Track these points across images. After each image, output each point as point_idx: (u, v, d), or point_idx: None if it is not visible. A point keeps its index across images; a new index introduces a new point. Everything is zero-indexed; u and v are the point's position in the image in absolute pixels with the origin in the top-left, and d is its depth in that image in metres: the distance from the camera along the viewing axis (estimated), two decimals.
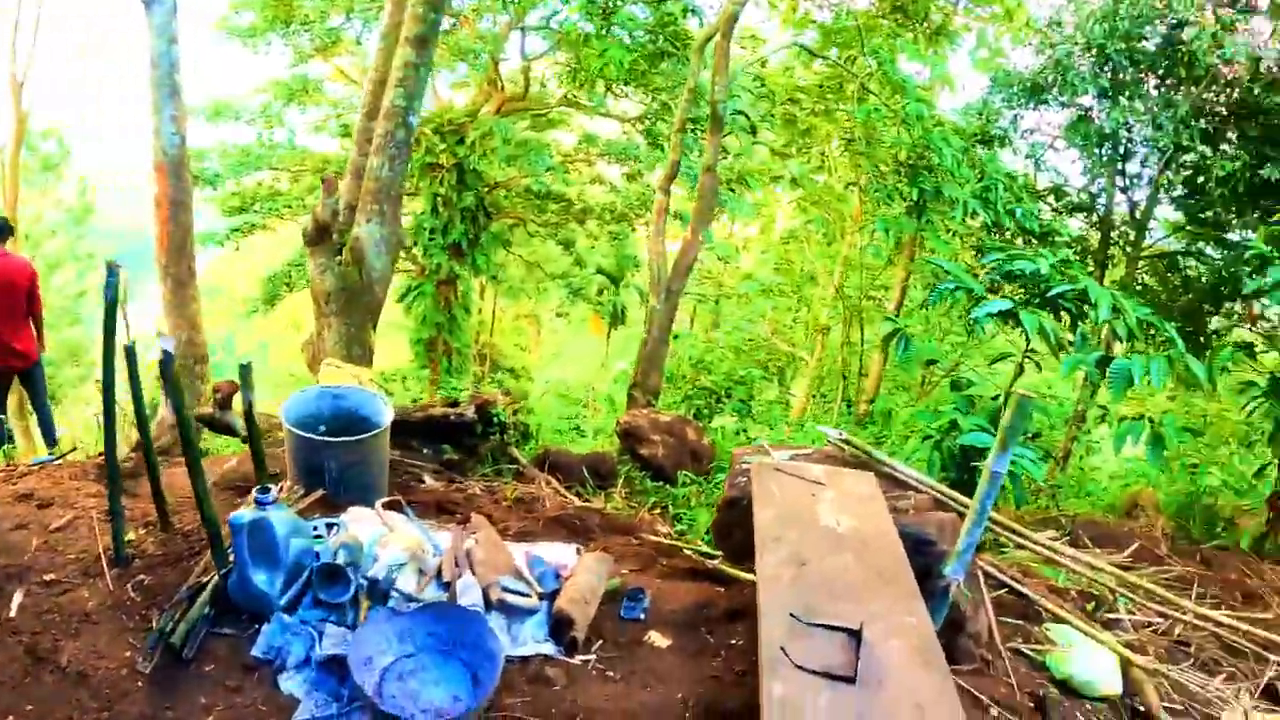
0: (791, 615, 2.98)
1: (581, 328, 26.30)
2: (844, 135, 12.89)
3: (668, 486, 6.62)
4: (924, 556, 3.76)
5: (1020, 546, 5.13)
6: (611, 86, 15.77)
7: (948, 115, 13.53)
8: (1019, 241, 11.11)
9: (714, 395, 9.04)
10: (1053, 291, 5.43)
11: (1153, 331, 6.74)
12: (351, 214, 8.01)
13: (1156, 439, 5.23)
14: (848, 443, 4.79)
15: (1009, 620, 4.44)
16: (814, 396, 16.16)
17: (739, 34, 13.43)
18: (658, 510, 6.21)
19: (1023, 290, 6.16)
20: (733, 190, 16.77)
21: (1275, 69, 11.56)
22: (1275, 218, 6.76)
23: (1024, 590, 4.64)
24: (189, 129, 7.86)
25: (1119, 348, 6.92)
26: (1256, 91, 11.63)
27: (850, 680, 2.69)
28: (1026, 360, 5.74)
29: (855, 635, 2.87)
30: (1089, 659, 4.11)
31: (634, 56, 12.40)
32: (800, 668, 2.73)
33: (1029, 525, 6.32)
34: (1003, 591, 4.67)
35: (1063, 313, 5.86)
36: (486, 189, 15.87)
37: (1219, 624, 4.86)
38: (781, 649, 2.79)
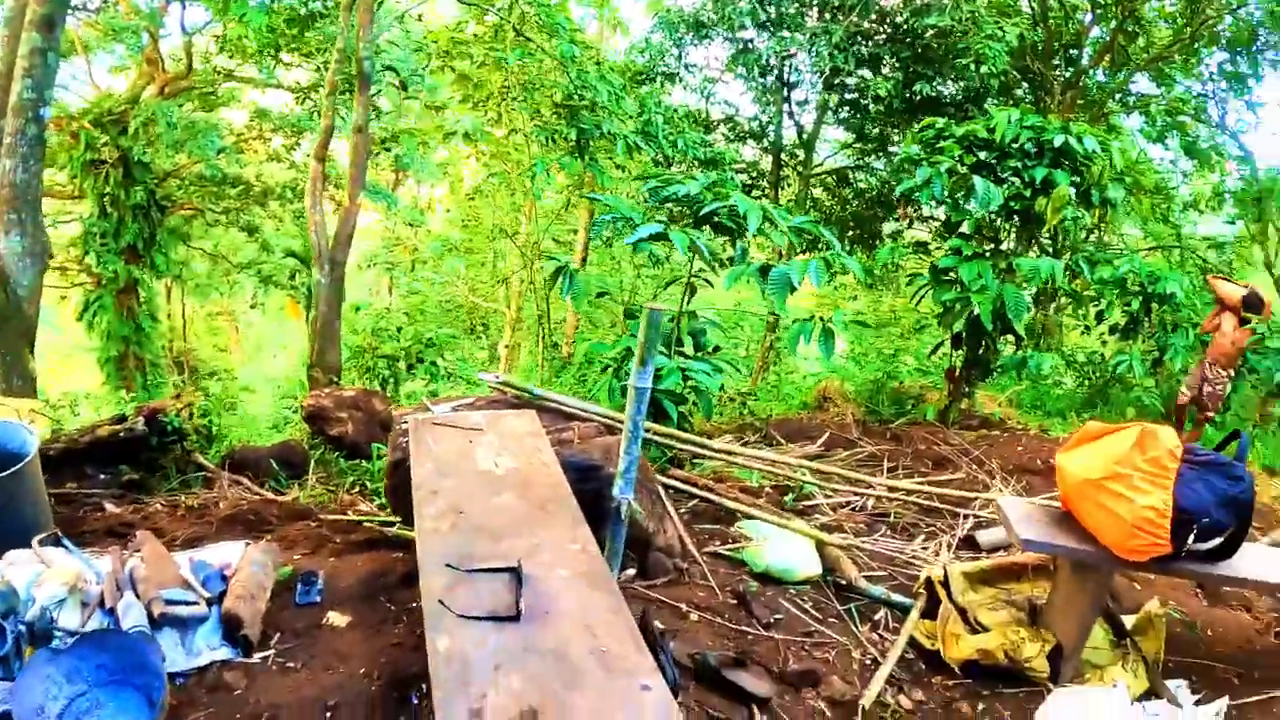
0: (448, 565, 2.80)
1: (280, 317, 24.84)
2: (504, 85, 12.73)
3: (363, 463, 6.24)
4: (595, 482, 3.69)
5: (698, 457, 5.18)
6: (278, 55, 14.77)
7: (619, 58, 13.71)
8: (696, 171, 11.35)
9: (399, 362, 8.64)
10: (704, 210, 5.44)
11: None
12: None
13: (826, 334, 5.37)
14: (506, 384, 4.61)
15: (707, 527, 4.44)
16: (518, 347, 16.09)
17: None
18: (356, 489, 5.85)
19: (685, 213, 6.19)
20: (397, 151, 16.39)
21: None
22: (924, 123, 7.14)
23: (711, 497, 4.64)
24: None
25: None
26: (907, 17, 12.44)
27: (515, 619, 2.58)
28: (695, 279, 5.77)
29: (515, 573, 2.74)
30: (784, 547, 4.17)
31: (279, 20, 11.63)
32: (463, 616, 2.59)
33: (727, 433, 6.45)
34: (694, 502, 4.66)
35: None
36: (157, 181, 14.62)
37: (909, 491, 5.10)
38: (440, 601, 2.64)
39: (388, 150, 16.46)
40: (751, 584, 3.92)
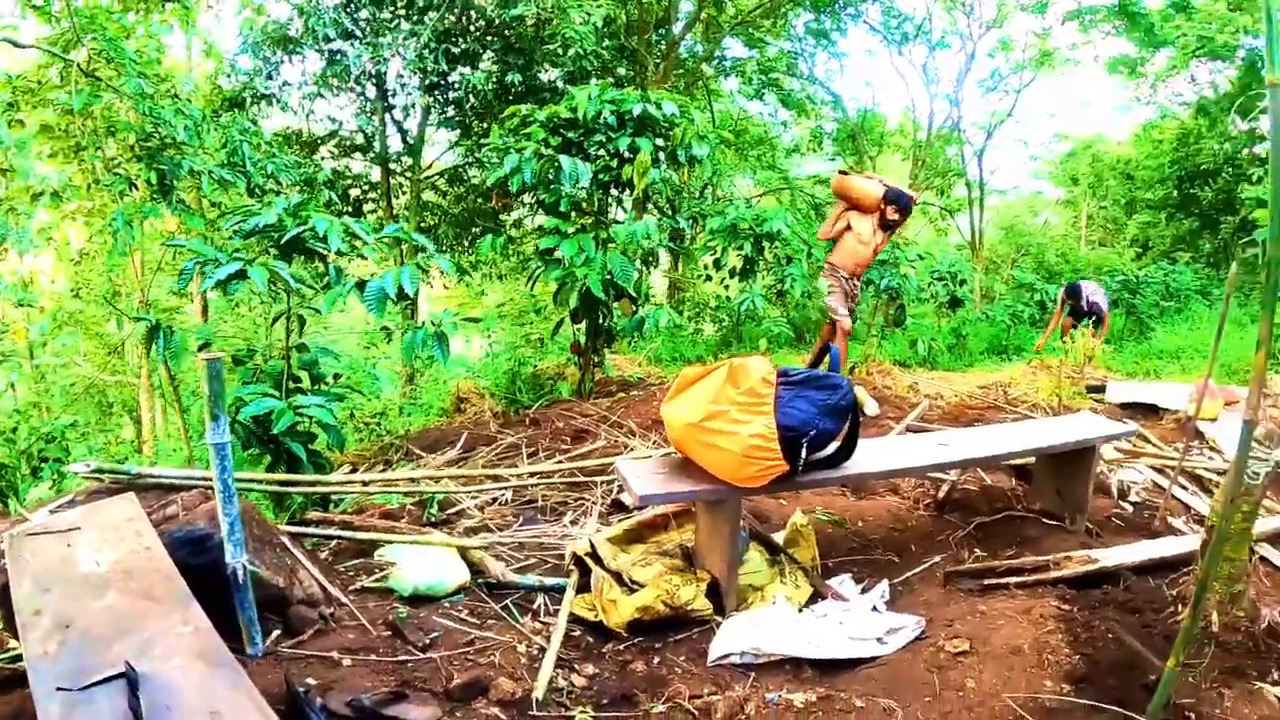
0: (60, 689, 2.43)
1: None
2: (78, 130, 11.41)
3: None
4: (209, 552, 3.28)
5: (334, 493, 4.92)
6: None
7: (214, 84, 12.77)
8: (293, 193, 10.76)
9: (16, 470, 7.48)
10: (287, 237, 5.11)
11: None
12: None
13: (440, 337, 5.22)
14: (99, 471, 4.09)
15: (351, 564, 4.17)
16: (165, 416, 14.74)
17: None
18: None
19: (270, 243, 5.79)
20: None
21: None
22: (508, 112, 7.13)
23: (345, 534, 4.38)
24: None
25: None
26: (494, 8, 12.47)
27: None
28: (295, 315, 5.42)
29: (127, 677, 2.42)
30: (427, 563, 3.98)
31: None
32: None
33: (369, 459, 6.18)
34: (335, 541, 4.39)
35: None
36: None
37: (548, 472, 5.08)
38: None
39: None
40: (402, 610, 3.71)
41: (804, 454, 3.34)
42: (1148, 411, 7.70)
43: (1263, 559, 4.88)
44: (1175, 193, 19.35)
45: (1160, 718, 2.98)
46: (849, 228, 7.54)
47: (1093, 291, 10.81)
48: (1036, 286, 15.55)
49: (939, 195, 20.77)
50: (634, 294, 6.80)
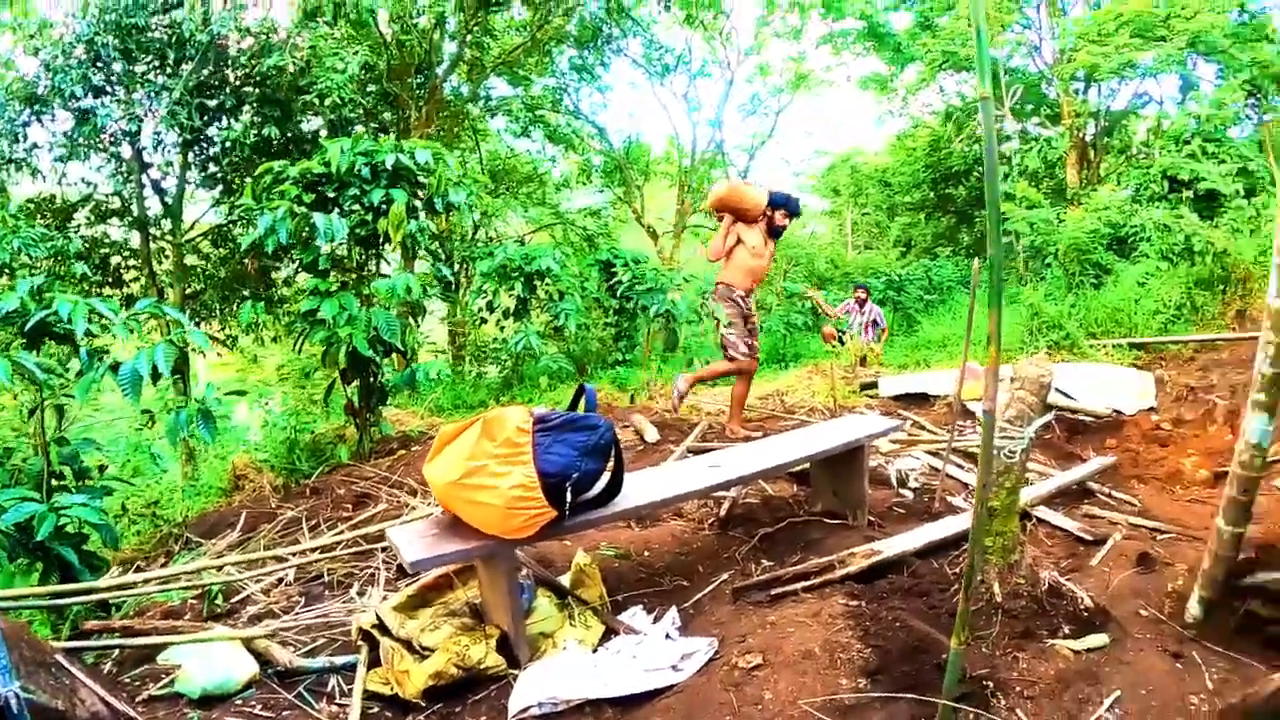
0: None
1: None
2: None
3: None
4: None
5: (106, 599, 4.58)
6: None
7: None
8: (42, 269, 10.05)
9: None
10: (30, 323, 4.72)
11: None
12: None
13: (205, 414, 4.95)
14: None
15: (137, 672, 3.91)
16: None
17: None
18: None
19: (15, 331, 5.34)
20: None
21: (266, 37, 12.03)
22: (260, 169, 6.82)
23: (124, 642, 4.07)
24: None
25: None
26: (247, 60, 12.00)
27: None
28: (51, 406, 5.00)
29: None
30: (212, 660, 3.74)
31: None
32: None
33: (147, 554, 5.81)
34: (117, 651, 4.08)
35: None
36: None
37: (326, 548, 4.90)
38: None
39: None
40: (193, 715, 3.48)
41: (569, 497, 3.33)
42: (920, 400, 8.16)
43: (1041, 521, 5.23)
44: (931, 194, 20.78)
45: (957, 693, 3.10)
46: (740, 241, 7.14)
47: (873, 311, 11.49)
48: (806, 294, 16.36)
49: (708, 217, 21.53)
50: (402, 348, 6.65)
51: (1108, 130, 17.76)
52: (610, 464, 3.57)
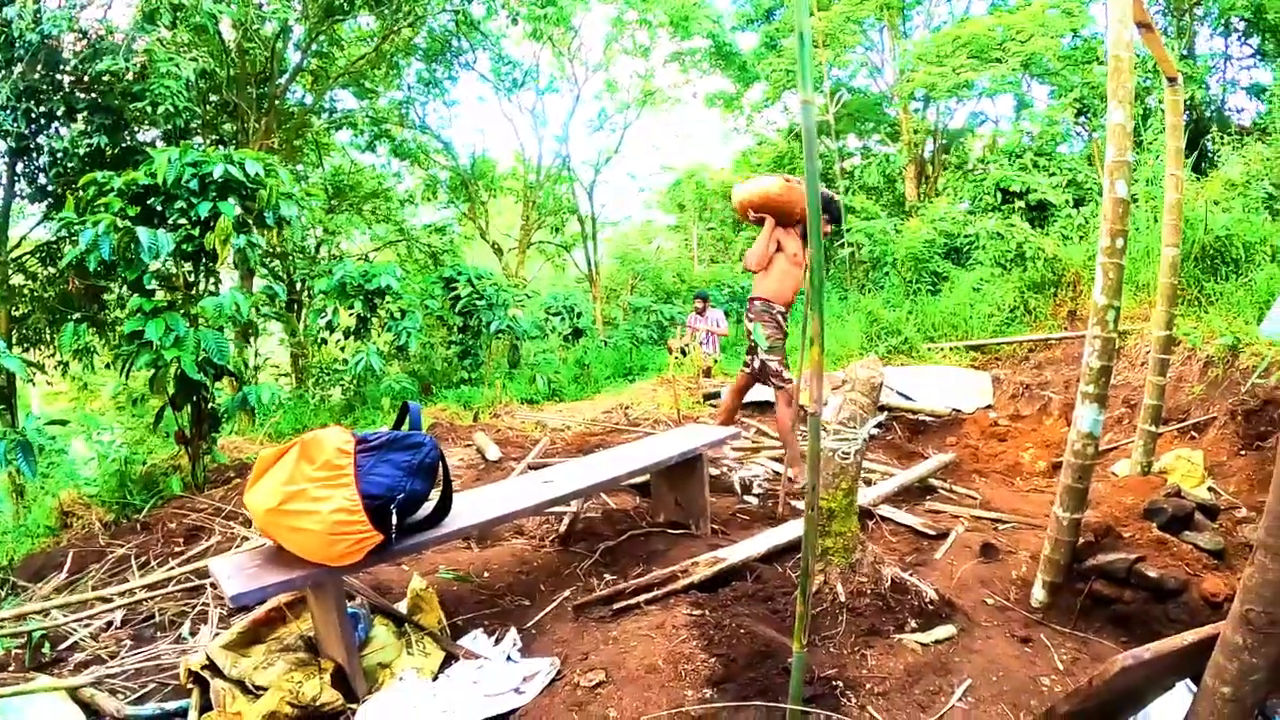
0: None
1: None
2: None
3: None
4: None
5: None
6: None
7: None
8: None
9: None
10: None
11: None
12: None
13: (24, 447, 4.63)
14: None
15: None
16: None
17: None
18: None
19: None
20: None
21: (100, 39, 11.38)
22: (84, 180, 6.42)
23: None
24: None
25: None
26: (77, 65, 11.37)
27: None
28: None
29: None
30: (37, 715, 3.47)
31: None
32: None
33: None
34: None
35: None
36: None
37: (156, 585, 4.64)
38: None
39: None
40: None
41: (395, 520, 3.22)
42: (764, 408, 8.29)
43: (885, 519, 5.35)
44: None
45: (806, 696, 3.11)
46: (780, 249, 6.23)
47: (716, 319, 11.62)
48: (653, 308, 16.58)
49: (553, 233, 21.60)
50: (234, 371, 6.36)
51: (946, 147, 18.57)
52: (439, 482, 3.46)
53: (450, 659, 3.65)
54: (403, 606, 3.85)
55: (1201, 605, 3.83)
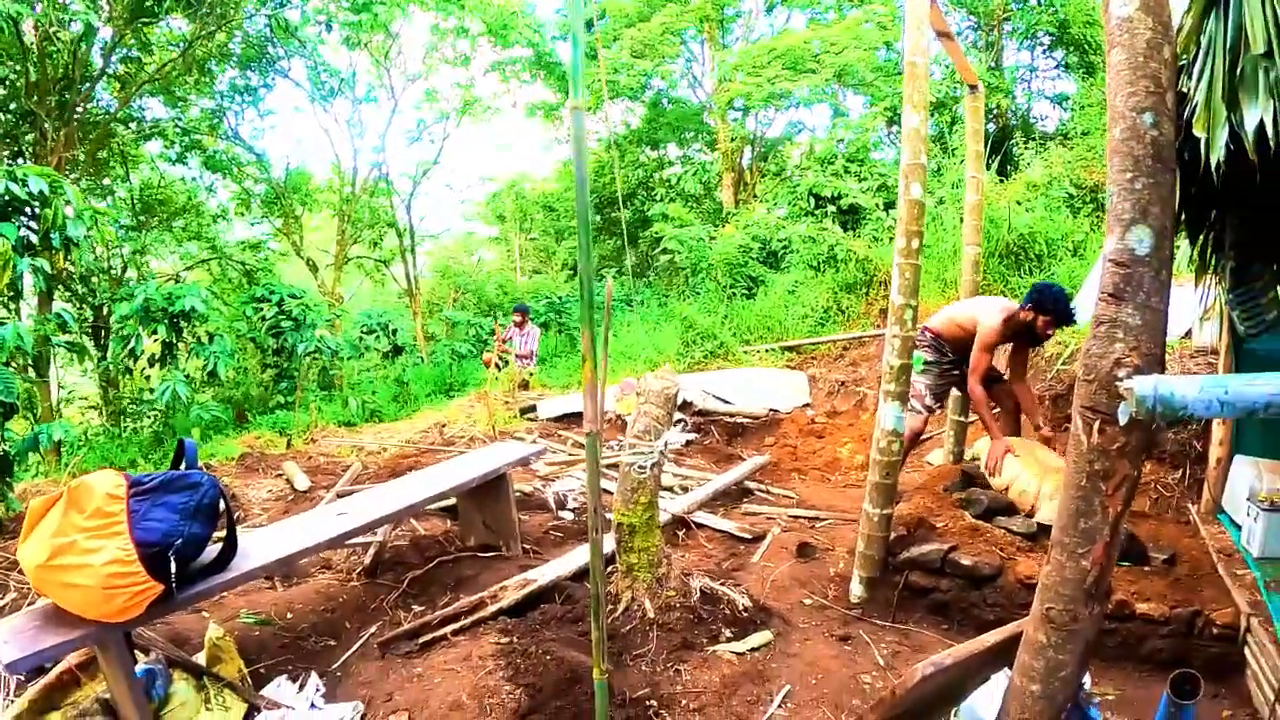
0: None
1: None
2: None
3: None
4: None
5: None
6: None
7: None
8: None
9: None
10: None
11: None
12: None
13: None
14: None
15: None
16: None
17: None
18: None
19: None
20: None
21: None
22: None
23: None
24: None
25: None
26: None
27: None
28: None
29: None
30: None
31: None
32: None
33: None
34: None
35: None
36: None
37: None
38: None
39: None
40: None
41: (174, 568, 3.05)
42: (581, 419, 8.31)
43: (700, 525, 5.43)
44: (598, 217, 21.41)
45: (620, 718, 3.12)
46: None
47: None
48: (472, 322, 16.67)
49: (371, 247, 21.16)
50: (18, 406, 5.90)
51: (764, 155, 19.09)
52: (221, 524, 3.32)
53: (253, 710, 3.51)
54: (201, 658, 3.68)
55: (1017, 588, 4.06)
